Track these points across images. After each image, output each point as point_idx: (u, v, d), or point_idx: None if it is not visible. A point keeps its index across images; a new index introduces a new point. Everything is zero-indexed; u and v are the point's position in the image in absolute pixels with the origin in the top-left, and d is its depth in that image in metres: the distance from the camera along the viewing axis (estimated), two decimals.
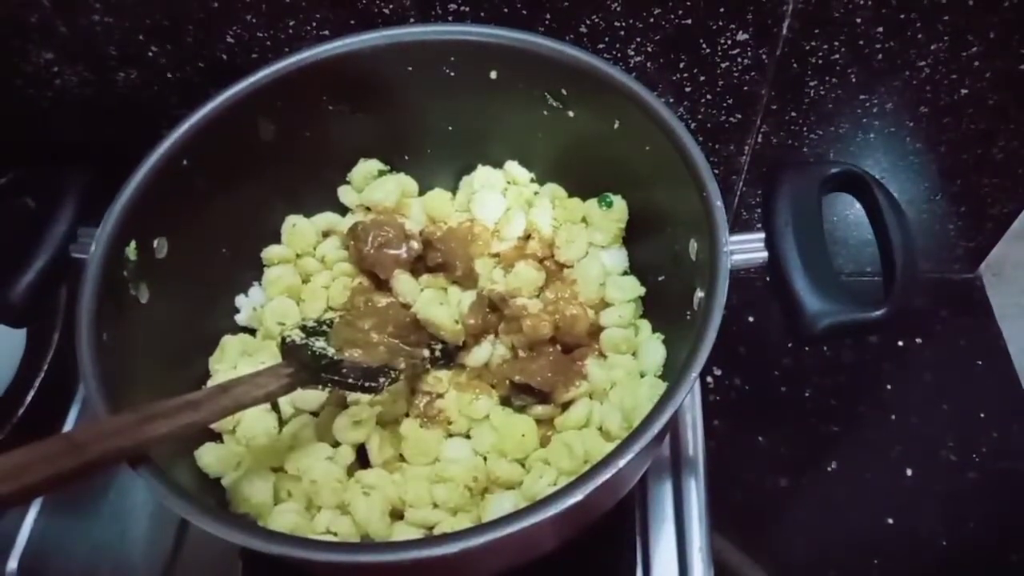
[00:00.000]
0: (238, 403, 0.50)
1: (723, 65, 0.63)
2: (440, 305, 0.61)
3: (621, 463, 0.43)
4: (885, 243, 0.51)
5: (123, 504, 0.68)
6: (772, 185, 0.53)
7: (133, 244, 0.53)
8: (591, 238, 0.64)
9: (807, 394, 0.76)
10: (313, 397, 0.59)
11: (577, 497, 0.42)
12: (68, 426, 0.69)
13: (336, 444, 0.58)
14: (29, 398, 0.68)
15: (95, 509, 0.68)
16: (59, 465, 0.42)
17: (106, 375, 0.48)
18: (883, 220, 0.51)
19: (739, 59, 0.62)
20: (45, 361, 0.70)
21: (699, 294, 0.52)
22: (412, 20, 0.61)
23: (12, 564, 0.65)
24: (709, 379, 0.77)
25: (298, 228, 0.65)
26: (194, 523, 0.43)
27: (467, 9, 0.60)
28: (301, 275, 0.66)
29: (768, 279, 0.52)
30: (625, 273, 0.64)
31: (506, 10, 0.60)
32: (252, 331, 0.64)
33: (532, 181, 0.67)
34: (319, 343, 0.56)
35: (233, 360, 0.60)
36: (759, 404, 0.76)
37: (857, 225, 0.76)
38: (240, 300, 0.65)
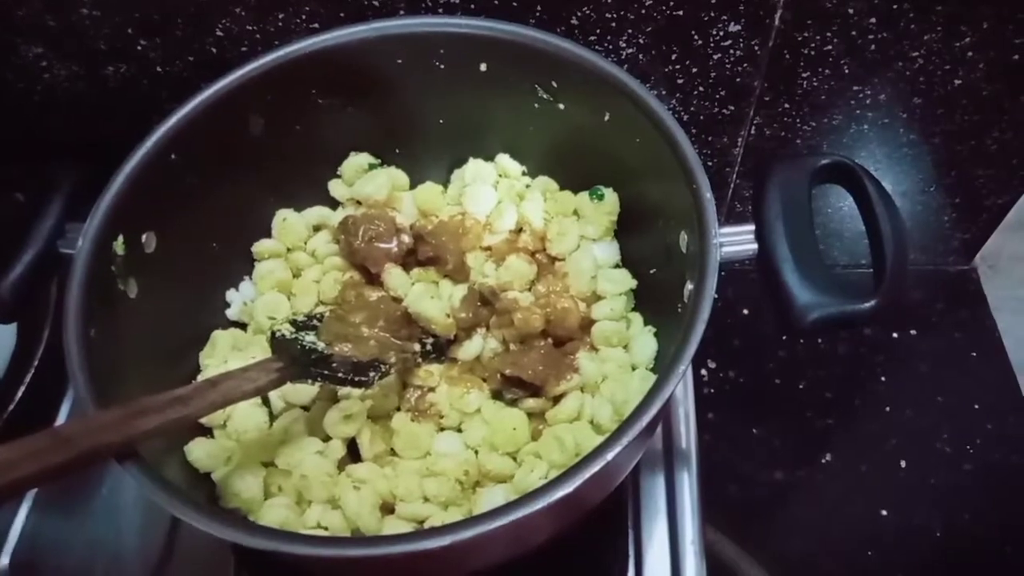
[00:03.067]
0: (227, 398, 0.50)
1: (715, 57, 0.63)
2: (431, 299, 0.60)
3: (609, 456, 0.43)
4: (875, 235, 0.50)
5: (116, 500, 0.68)
6: (762, 177, 0.53)
7: (121, 239, 0.53)
8: (583, 231, 0.63)
9: (802, 386, 0.76)
10: (304, 391, 0.59)
11: (567, 490, 0.42)
12: (60, 421, 0.69)
13: (327, 438, 0.58)
14: (20, 393, 0.68)
15: (88, 505, 0.68)
16: (46, 460, 0.42)
17: (94, 371, 0.48)
18: (873, 211, 0.50)
19: (731, 50, 0.62)
20: (36, 356, 0.69)
21: (689, 287, 0.51)
22: (402, 12, 0.61)
23: (4, 561, 0.65)
24: (704, 371, 0.77)
25: (289, 222, 0.65)
26: (181, 519, 0.43)
27: (457, 1, 0.60)
28: (292, 269, 0.65)
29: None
30: (617, 266, 0.63)
31: (496, 2, 0.60)
32: (243, 326, 0.64)
33: (523, 174, 0.67)
34: (309, 337, 0.55)
35: (224, 355, 0.60)
36: (754, 396, 0.76)
37: (852, 217, 0.76)
38: (231, 295, 0.64)
